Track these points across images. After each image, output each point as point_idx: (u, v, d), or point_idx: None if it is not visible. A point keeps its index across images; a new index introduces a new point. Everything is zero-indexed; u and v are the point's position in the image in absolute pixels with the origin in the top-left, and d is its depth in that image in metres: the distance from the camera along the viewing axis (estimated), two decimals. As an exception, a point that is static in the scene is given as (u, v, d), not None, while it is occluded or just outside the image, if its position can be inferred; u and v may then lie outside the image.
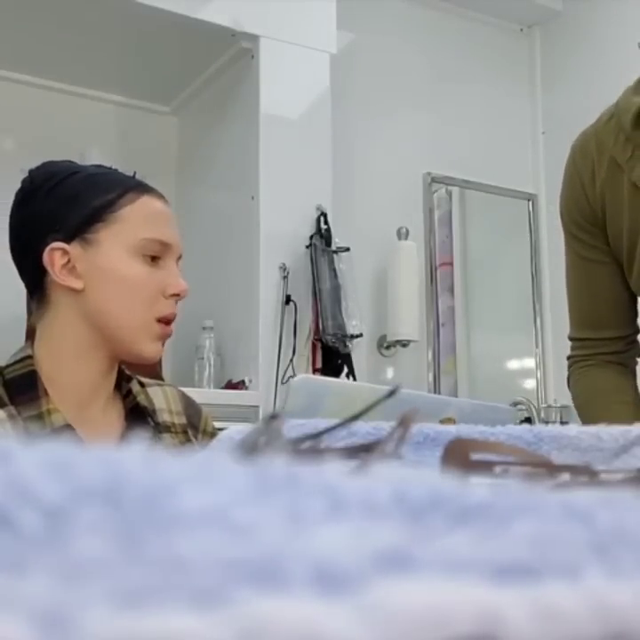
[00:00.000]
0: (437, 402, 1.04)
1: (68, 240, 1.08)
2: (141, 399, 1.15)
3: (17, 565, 0.16)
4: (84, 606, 0.15)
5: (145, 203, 1.11)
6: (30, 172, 1.13)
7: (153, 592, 0.16)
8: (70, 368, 1.09)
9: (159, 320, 1.10)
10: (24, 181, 1.11)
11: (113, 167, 1.17)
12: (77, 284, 1.08)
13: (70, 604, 0.15)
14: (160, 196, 1.15)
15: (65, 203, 1.09)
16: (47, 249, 1.07)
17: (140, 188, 1.13)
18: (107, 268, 1.08)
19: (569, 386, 1.42)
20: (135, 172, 1.17)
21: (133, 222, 1.10)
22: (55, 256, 1.07)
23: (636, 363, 1.39)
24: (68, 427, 1.05)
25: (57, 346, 1.10)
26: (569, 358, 1.42)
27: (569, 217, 1.39)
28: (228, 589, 0.16)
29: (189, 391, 1.31)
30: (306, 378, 0.95)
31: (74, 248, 1.08)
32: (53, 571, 0.16)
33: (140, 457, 0.20)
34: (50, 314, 1.10)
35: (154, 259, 1.11)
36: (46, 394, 1.06)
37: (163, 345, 1.13)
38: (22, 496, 0.18)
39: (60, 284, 1.08)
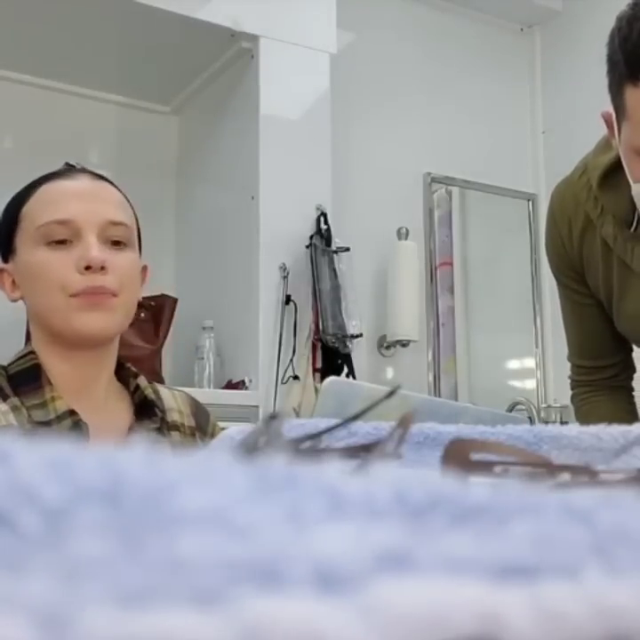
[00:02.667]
0: (454, 408, 1.03)
1: (6, 260, 1.15)
2: (149, 393, 1.17)
3: (17, 565, 0.16)
4: (84, 606, 0.15)
5: (43, 191, 1.12)
6: None
7: (153, 592, 0.16)
8: (52, 364, 1.13)
9: (75, 295, 1.08)
10: None
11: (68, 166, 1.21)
12: (17, 295, 1.14)
13: (70, 604, 0.15)
14: (66, 175, 1.15)
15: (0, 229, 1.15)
16: None
17: (44, 178, 1.14)
18: (24, 267, 1.12)
19: (572, 403, 1.50)
20: (66, 163, 1.20)
21: (32, 215, 1.11)
22: (4, 278, 1.15)
23: (632, 379, 1.47)
24: (71, 413, 1.08)
25: (36, 347, 1.15)
26: (570, 380, 1.50)
27: (553, 264, 1.45)
28: (228, 589, 0.16)
29: (189, 391, 1.31)
30: (335, 380, 0.95)
31: (11, 265, 1.14)
32: (53, 571, 0.16)
33: (141, 457, 0.20)
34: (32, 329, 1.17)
35: (62, 242, 1.09)
36: (49, 383, 1.10)
37: (108, 316, 1.10)
38: (22, 496, 0.18)
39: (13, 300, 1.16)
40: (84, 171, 1.17)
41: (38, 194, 1.11)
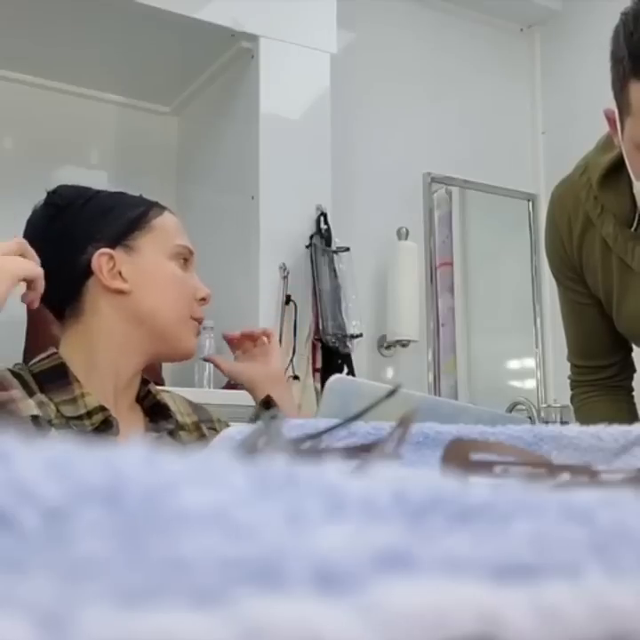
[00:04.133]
0: (454, 408, 1.03)
1: (111, 247, 1.16)
2: (161, 397, 1.22)
3: (17, 565, 0.16)
4: (84, 606, 0.15)
5: (168, 215, 1.23)
6: (56, 191, 1.20)
7: (153, 592, 0.16)
8: (109, 366, 1.15)
9: (192, 319, 1.20)
10: (52, 199, 1.18)
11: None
12: (125, 287, 1.15)
13: (70, 604, 0.15)
14: (173, 213, 1.27)
15: (101, 214, 1.17)
16: (96, 254, 1.14)
17: (159, 204, 1.24)
18: (150, 270, 1.17)
19: (572, 404, 1.50)
20: (141, 194, 1.27)
21: (165, 231, 1.21)
22: (102, 261, 1.15)
23: (632, 379, 1.47)
24: (102, 408, 1.10)
25: (95, 347, 1.15)
26: (570, 380, 1.50)
27: (552, 264, 1.45)
28: (228, 589, 0.16)
29: (189, 391, 1.34)
30: (340, 378, 0.96)
31: (118, 253, 1.16)
32: (53, 570, 0.16)
33: (141, 456, 0.20)
34: (90, 317, 1.16)
35: (185, 262, 1.22)
36: (77, 381, 1.11)
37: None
38: (22, 496, 0.18)
39: (104, 289, 1.15)
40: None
41: (165, 217, 1.22)
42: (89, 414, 1.08)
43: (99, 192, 1.20)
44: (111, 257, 1.15)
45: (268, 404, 1.27)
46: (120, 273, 1.15)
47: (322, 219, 2.56)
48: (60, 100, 2.81)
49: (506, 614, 0.17)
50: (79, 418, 1.08)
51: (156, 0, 2.42)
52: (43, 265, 1.15)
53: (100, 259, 1.14)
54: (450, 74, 3.19)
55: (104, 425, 1.09)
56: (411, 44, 3.14)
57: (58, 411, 1.07)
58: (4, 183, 2.67)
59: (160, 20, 2.48)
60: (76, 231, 1.15)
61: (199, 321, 1.21)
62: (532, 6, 3.29)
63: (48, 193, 1.19)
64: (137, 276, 1.16)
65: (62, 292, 1.17)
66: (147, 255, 1.17)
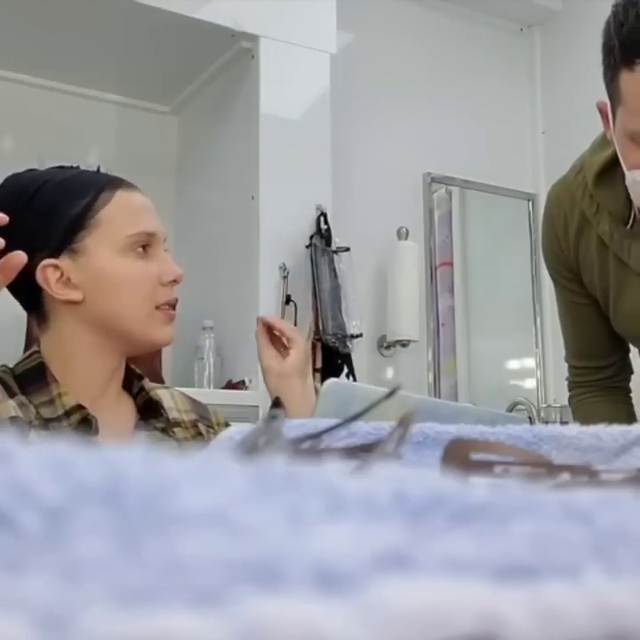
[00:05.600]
0: (454, 408, 1.03)
1: (55, 255, 1.09)
2: (154, 394, 1.19)
3: (17, 565, 0.16)
4: (83, 606, 0.15)
5: (121, 199, 1.12)
6: (1, 187, 1.13)
7: (153, 592, 0.16)
8: (80, 369, 1.12)
9: (159, 307, 1.13)
10: None
11: (75, 165, 1.18)
12: (76, 296, 1.09)
13: (70, 604, 0.15)
14: (132, 186, 1.16)
15: (43, 217, 1.09)
16: (39, 268, 1.07)
17: (112, 184, 1.14)
18: (101, 272, 1.10)
19: (570, 405, 1.50)
20: (99, 167, 1.19)
21: (115, 222, 1.11)
22: (48, 273, 1.08)
23: (629, 380, 1.47)
24: (80, 407, 1.08)
25: (65, 353, 1.12)
26: (568, 381, 1.50)
27: (549, 264, 1.45)
28: (227, 589, 0.16)
29: (189, 391, 1.33)
30: (335, 382, 0.95)
31: (63, 261, 1.09)
32: (53, 571, 0.16)
33: (140, 457, 0.20)
34: (53, 327, 1.13)
35: (144, 249, 1.12)
36: (55, 381, 1.09)
37: (173, 328, 1.17)
38: (22, 496, 0.18)
39: (58, 299, 1.09)
40: (128, 182, 1.17)
41: (115, 204, 1.11)
42: (67, 414, 1.07)
43: (43, 183, 1.10)
44: (57, 267, 1.08)
45: (277, 404, 1.25)
46: (70, 280, 1.09)
47: (322, 219, 2.56)
48: (60, 99, 2.81)
49: (506, 614, 0.17)
50: (57, 419, 1.06)
51: (155, 0, 2.43)
52: None
53: (45, 271, 1.08)
54: (450, 74, 3.19)
55: (82, 424, 1.07)
56: (410, 44, 3.14)
57: (37, 413, 1.06)
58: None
59: (160, 20, 2.48)
60: (19, 241, 1.03)
61: (169, 305, 1.13)
62: (532, 6, 3.29)
63: None
64: (88, 281, 1.09)
65: (24, 303, 1.14)
66: (95, 255, 1.09)
